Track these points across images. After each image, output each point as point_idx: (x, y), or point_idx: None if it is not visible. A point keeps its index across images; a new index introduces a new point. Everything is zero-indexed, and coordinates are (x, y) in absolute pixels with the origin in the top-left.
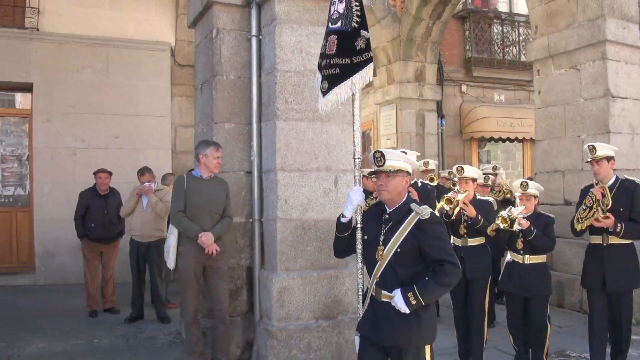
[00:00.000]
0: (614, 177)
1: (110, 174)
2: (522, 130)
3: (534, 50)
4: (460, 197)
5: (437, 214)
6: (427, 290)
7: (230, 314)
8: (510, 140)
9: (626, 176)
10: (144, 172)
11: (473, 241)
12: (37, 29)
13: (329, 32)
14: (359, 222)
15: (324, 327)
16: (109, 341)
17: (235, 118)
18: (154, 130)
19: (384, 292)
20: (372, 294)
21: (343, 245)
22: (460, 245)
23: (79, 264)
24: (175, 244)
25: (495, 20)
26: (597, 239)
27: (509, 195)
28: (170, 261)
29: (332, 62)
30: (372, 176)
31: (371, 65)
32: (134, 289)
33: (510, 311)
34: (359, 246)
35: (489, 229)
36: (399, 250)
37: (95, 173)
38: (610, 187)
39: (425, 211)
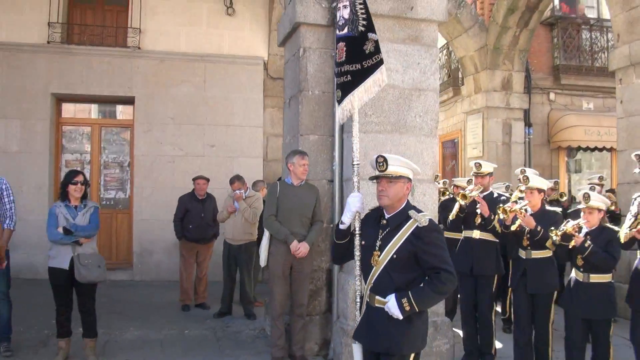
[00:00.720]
0: None
1: (207, 180)
2: (610, 140)
3: (616, 59)
4: (518, 205)
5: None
6: (422, 297)
7: (310, 313)
8: (599, 150)
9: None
10: (234, 180)
11: (537, 254)
12: (139, 48)
13: (337, 40)
14: (357, 229)
15: None
16: (199, 333)
17: (319, 130)
18: (247, 140)
19: (378, 297)
20: (366, 300)
21: (341, 252)
22: (524, 257)
23: (173, 262)
24: (267, 244)
25: (583, 27)
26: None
27: (612, 207)
28: (262, 260)
29: (343, 70)
30: (374, 181)
31: (383, 68)
32: (224, 286)
33: (570, 333)
34: (357, 252)
35: (548, 243)
36: (395, 256)
37: (194, 179)
38: None
39: (423, 218)
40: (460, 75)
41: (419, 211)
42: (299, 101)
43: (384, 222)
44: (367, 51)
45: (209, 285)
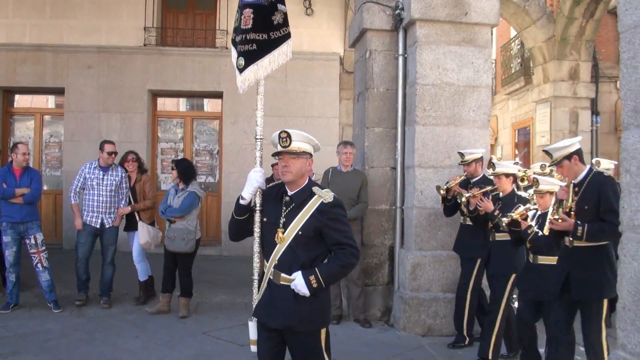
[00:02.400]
0: (587, 169)
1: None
2: None
3: None
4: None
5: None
6: (329, 273)
7: (374, 283)
8: None
9: (600, 169)
10: None
11: (500, 236)
12: (227, 47)
13: (243, 5)
14: (258, 205)
15: (450, 299)
16: None
17: (383, 123)
18: (324, 130)
19: (283, 275)
20: (269, 278)
21: (240, 228)
22: (490, 239)
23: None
24: None
25: None
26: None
27: None
28: None
29: (248, 38)
30: (276, 157)
31: (290, 42)
32: None
33: (520, 313)
34: (257, 229)
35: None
36: (300, 232)
37: (272, 165)
38: (581, 183)
39: (328, 194)
40: (531, 65)
41: (321, 188)
42: (365, 97)
43: (287, 198)
44: (275, 22)
45: None
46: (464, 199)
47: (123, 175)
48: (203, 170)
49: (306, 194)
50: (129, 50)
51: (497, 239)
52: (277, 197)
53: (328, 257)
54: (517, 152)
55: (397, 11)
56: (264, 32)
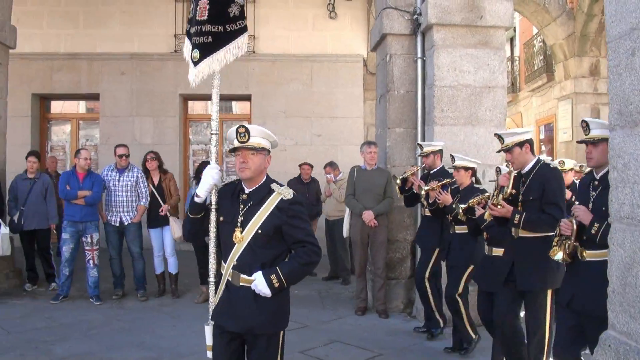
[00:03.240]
0: (534, 160)
1: (311, 166)
2: None
3: None
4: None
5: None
6: (290, 272)
7: (397, 277)
8: None
9: (546, 160)
10: (326, 166)
11: (459, 229)
12: (254, 52)
13: None
14: (214, 203)
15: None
16: (307, 293)
17: (404, 124)
18: (349, 129)
19: (242, 276)
20: (227, 279)
21: (196, 228)
22: (450, 232)
23: None
24: (349, 218)
25: None
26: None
27: None
28: (345, 231)
29: (204, 30)
30: (233, 153)
31: (246, 35)
32: (329, 255)
33: (478, 305)
34: (213, 229)
35: (461, 217)
36: (260, 231)
37: (300, 165)
38: (528, 173)
39: (287, 191)
40: (553, 62)
41: (280, 185)
42: (386, 99)
43: (245, 196)
44: (231, 14)
45: None
46: (423, 192)
47: (139, 175)
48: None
49: (264, 191)
50: (160, 56)
51: (456, 231)
52: (234, 195)
53: (289, 256)
54: (542, 147)
55: (415, 16)
56: (219, 24)
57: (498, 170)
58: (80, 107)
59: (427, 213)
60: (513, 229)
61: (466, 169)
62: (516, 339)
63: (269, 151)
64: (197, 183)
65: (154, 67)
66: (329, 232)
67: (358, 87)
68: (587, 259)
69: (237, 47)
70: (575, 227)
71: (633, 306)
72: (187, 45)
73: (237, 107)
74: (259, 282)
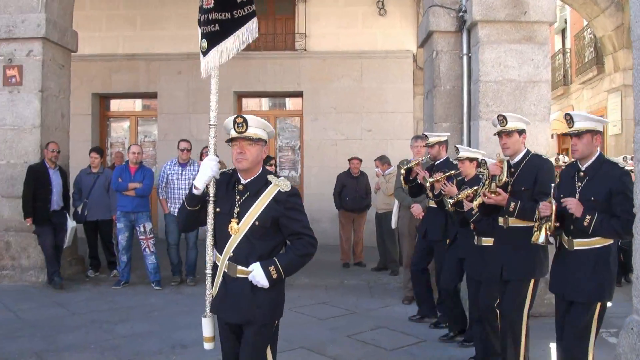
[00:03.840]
0: (524, 151)
1: (360, 160)
2: None
3: None
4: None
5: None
6: (289, 263)
7: None
8: None
9: (538, 152)
10: (376, 160)
11: (432, 203)
12: (305, 49)
13: None
14: (211, 195)
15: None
16: (355, 283)
17: (450, 119)
18: (398, 124)
19: (239, 267)
20: (224, 271)
21: (193, 219)
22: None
23: (336, 229)
24: (397, 210)
25: None
26: (500, 221)
27: None
28: (393, 222)
29: (210, 18)
30: (230, 143)
31: (255, 20)
32: (378, 247)
33: (469, 294)
34: (210, 220)
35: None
36: (257, 223)
37: (349, 159)
38: (517, 164)
39: (285, 183)
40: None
41: (276, 176)
42: (433, 95)
43: (241, 187)
44: (238, 0)
45: (368, 249)
46: (428, 184)
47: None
48: (286, 165)
49: (261, 183)
50: None
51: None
52: (229, 186)
53: (286, 247)
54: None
55: (461, 13)
56: (226, 11)
57: (484, 162)
58: (138, 105)
59: (432, 204)
60: (502, 220)
61: (471, 160)
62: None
63: (265, 142)
64: None
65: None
66: (378, 224)
67: (408, 83)
68: (576, 248)
69: (247, 33)
70: (554, 207)
71: None
72: (199, 35)
73: (290, 104)
74: (257, 274)
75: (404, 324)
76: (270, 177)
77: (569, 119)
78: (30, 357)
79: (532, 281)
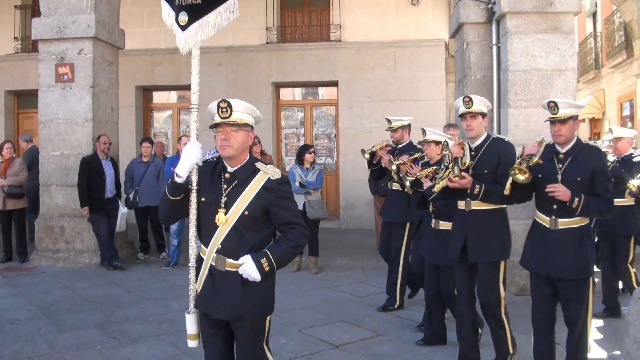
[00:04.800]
0: (485, 135)
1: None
2: None
3: None
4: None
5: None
6: (282, 255)
7: None
8: None
9: (499, 135)
10: None
11: (396, 186)
12: (340, 40)
13: None
14: (194, 184)
15: None
16: None
17: None
18: (431, 111)
19: (229, 260)
20: (211, 264)
21: (176, 209)
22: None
23: (371, 214)
24: None
25: None
26: (460, 204)
27: None
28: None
29: None
30: (214, 129)
31: None
32: None
33: (425, 278)
34: (193, 211)
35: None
36: (246, 212)
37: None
38: (478, 147)
39: (274, 170)
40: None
41: (265, 164)
42: (464, 84)
43: (228, 175)
44: None
45: None
46: (394, 167)
47: None
48: (322, 152)
49: (250, 170)
50: (253, 48)
51: (393, 187)
52: (214, 174)
53: (277, 238)
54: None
55: (490, 5)
56: None
57: (446, 145)
58: (180, 97)
59: (395, 187)
60: (463, 202)
61: (437, 143)
62: (472, 308)
63: (252, 127)
64: (300, 164)
65: (248, 59)
66: None
67: (440, 71)
68: (560, 227)
69: (229, 10)
70: (541, 148)
71: None
72: (166, 9)
73: (325, 93)
74: (248, 267)
75: None
76: (258, 165)
77: (554, 106)
78: (94, 328)
79: (503, 262)
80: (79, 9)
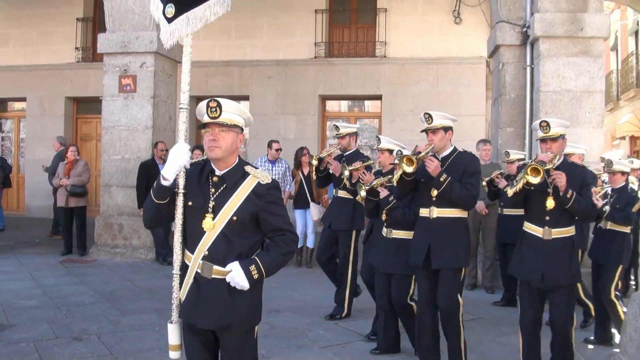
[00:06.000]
0: (452, 148)
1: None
2: None
3: None
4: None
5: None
6: (272, 262)
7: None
8: None
9: (465, 149)
10: None
11: (342, 193)
12: (385, 56)
13: None
14: (181, 187)
15: None
16: None
17: (514, 124)
18: (472, 127)
19: (215, 267)
20: (197, 271)
21: (161, 213)
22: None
23: None
24: None
25: None
26: (424, 212)
27: None
28: None
29: None
30: (203, 130)
31: None
32: None
33: (376, 284)
34: (179, 215)
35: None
36: (235, 218)
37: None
38: (445, 158)
39: (264, 175)
40: None
41: (255, 167)
42: (499, 102)
43: (216, 178)
44: None
45: None
46: (346, 172)
47: (287, 166)
48: None
49: (239, 174)
50: (302, 62)
51: (339, 195)
52: (202, 177)
53: (266, 245)
54: None
55: (525, 29)
56: None
57: (399, 153)
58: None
59: (339, 194)
60: (427, 210)
61: (390, 151)
62: (434, 316)
63: (242, 129)
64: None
65: (297, 72)
66: None
67: (481, 87)
68: (553, 237)
69: (219, 4)
70: (555, 160)
71: None
72: (154, 1)
73: (370, 106)
74: (236, 274)
75: (466, 306)
76: (248, 168)
77: (546, 125)
78: (152, 313)
79: (464, 269)
80: (143, 25)
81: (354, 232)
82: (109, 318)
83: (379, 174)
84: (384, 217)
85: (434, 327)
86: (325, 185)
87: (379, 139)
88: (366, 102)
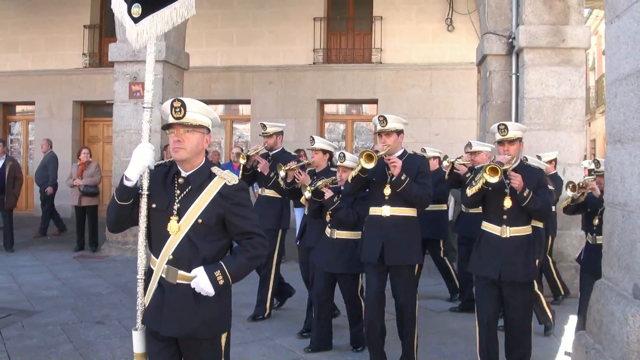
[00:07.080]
0: (402, 150)
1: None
2: None
3: None
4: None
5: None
6: (237, 267)
7: None
8: None
9: (415, 151)
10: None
11: (269, 192)
12: (381, 62)
13: None
14: (144, 188)
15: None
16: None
17: None
18: (463, 129)
19: (180, 272)
20: (161, 276)
21: (124, 216)
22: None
23: None
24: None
25: None
26: (377, 210)
27: None
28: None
29: None
30: (167, 130)
31: None
32: None
33: (315, 284)
34: (143, 218)
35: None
36: (200, 220)
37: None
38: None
39: (231, 176)
40: None
41: (222, 168)
42: (486, 108)
43: (181, 180)
44: None
45: None
46: (282, 172)
47: None
48: None
49: (205, 175)
50: (301, 68)
51: (264, 194)
52: (168, 179)
53: (234, 249)
54: None
55: (510, 40)
56: None
57: (342, 155)
58: (233, 110)
59: (266, 193)
60: (380, 209)
61: (324, 151)
62: (381, 312)
63: (208, 129)
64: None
65: (296, 77)
66: None
67: (472, 92)
68: (511, 235)
69: (184, 7)
70: (512, 162)
71: (615, 262)
72: (117, 2)
73: (366, 109)
74: (201, 280)
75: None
76: (214, 169)
77: (504, 128)
78: None
79: (418, 266)
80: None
81: (280, 232)
82: (126, 306)
83: (313, 173)
84: (327, 217)
85: (382, 323)
86: (251, 184)
87: (313, 139)
88: (363, 106)
